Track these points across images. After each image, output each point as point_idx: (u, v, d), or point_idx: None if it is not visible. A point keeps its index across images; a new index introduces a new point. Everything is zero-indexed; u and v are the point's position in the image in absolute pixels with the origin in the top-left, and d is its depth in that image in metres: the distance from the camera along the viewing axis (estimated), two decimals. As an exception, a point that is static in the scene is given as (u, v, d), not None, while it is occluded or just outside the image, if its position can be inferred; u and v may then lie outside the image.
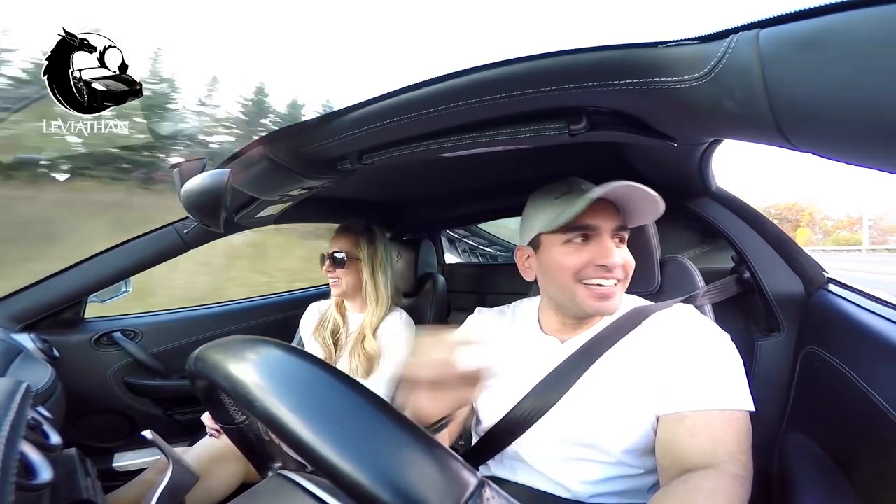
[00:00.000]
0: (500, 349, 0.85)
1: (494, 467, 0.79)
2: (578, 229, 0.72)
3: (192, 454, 1.09)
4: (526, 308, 0.90)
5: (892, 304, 0.75)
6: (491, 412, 0.80)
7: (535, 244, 0.80)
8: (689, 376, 0.66)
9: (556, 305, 0.80)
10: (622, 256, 0.72)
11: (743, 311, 1.05)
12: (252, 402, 0.29)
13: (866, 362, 0.67)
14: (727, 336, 0.71)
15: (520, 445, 0.75)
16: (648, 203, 0.71)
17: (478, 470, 0.81)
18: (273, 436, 0.59)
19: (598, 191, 0.67)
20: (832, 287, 0.92)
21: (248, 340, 0.33)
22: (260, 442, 0.57)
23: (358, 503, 0.24)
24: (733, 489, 0.57)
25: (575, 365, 0.74)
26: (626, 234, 0.75)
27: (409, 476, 0.25)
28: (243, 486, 1.09)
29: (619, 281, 0.73)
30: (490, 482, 0.26)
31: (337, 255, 1.24)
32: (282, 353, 0.31)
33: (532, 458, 0.74)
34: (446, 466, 0.26)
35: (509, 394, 0.78)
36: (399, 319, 1.24)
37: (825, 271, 0.98)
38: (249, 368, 0.30)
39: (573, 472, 0.70)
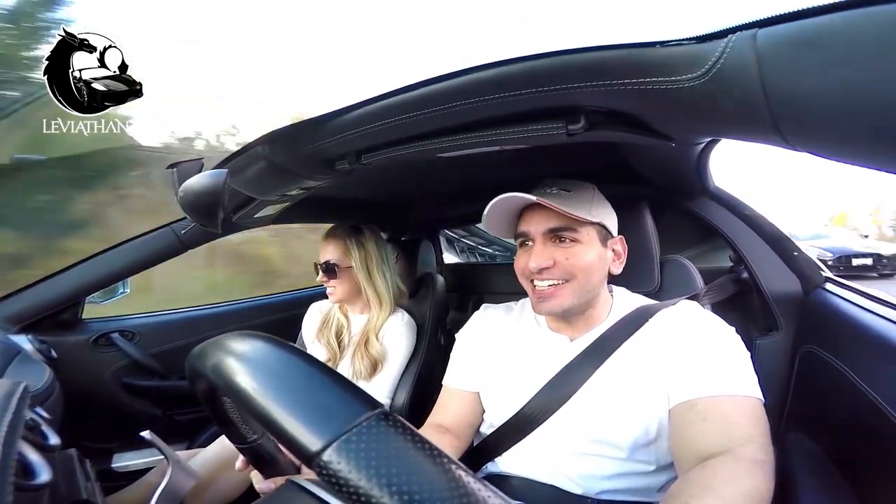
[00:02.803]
0: (507, 345, 0.86)
1: (502, 462, 0.79)
2: (520, 236, 0.79)
3: (201, 459, 1.08)
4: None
5: (890, 303, 0.75)
6: (500, 410, 0.81)
7: None
8: (697, 366, 0.67)
9: None
10: (555, 256, 0.74)
11: (741, 311, 1.05)
12: (205, 367, 0.33)
13: (864, 361, 0.67)
14: (732, 329, 0.72)
15: (529, 443, 0.76)
16: (553, 206, 0.72)
17: (485, 467, 0.80)
18: (287, 452, 0.60)
19: (486, 211, 0.77)
20: (829, 286, 0.93)
21: (234, 334, 0.35)
22: (274, 459, 0.57)
23: (268, 430, 0.28)
24: (753, 473, 0.56)
25: (585, 363, 0.74)
26: (569, 234, 0.75)
27: (298, 399, 0.27)
28: (250, 491, 1.09)
29: (562, 281, 0.75)
30: (394, 415, 0.27)
31: (327, 264, 1.19)
32: (246, 335, 0.34)
33: (542, 455, 0.74)
34: (342, 394, 0.28)
35: (519, 391, 0.78)
36: (400, 321, 1.23)
37: (822, 270, 0.98)
38: (216, 346, 0.34)
39: (584, 467, 0.70)
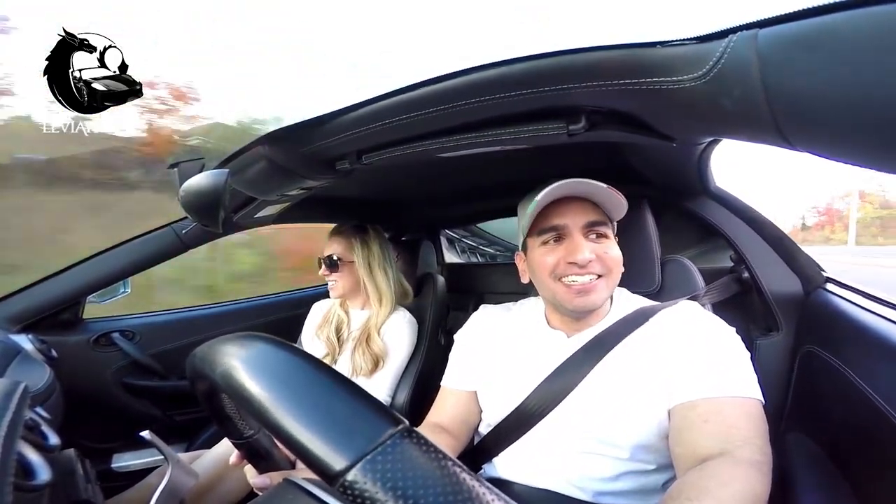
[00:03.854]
0: (506, 344, 0.86)
1: (500, 465, 0.79)
2: (549, 230, 0.76)
3: (203, 461, 1.08)
4: (532, 305, 0.91)
5: (890, 303, 0.75)
6: (498, 407, 0.80)
7: (524, 247, 0.82)
8: (698, 367, 0.67)
9: (551, 305, 0.82)
10: (595, 251, 0.74)
11: (741, 311, 1.05)
12: (213, 371, 0.32)
13: (865, 361, 0.67)
14: (733, 329, 0.72)
15: (527, 442, 0.75)
16: (606, 194, 0.73)
17: (483, 470, 0.80)
18: (282, 447, 0.60)
19: (541, 196, 0.72)
20: (830, 286, 0.92)
21: (232, 334, 0.35)
22: (269, 455, 0.57)
23: (287, 447, 0.26)
24: (751, 475, 0.56)
25: (583, 359, 0.74)
26: (604, 229, 0.76)
27: (318, 414, 0.26)
28: (253, 494, 1.09)
29: (599, 276, 0.74)
30: (417, 431, 0.26)
31: (330, 258, 1.24)
32: (253, 337, 0.33)
33: (540, 455, 0.74)
34: (363, 409, 0.27)
35: (516, 388, 0.78)
36: (402, 318, 1.24)
37: (823, 270, 0.98)
38: (224, 350, 0.33)
39: (583, 467, 0.70)
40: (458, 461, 0.25)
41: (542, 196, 0.72)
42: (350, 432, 0.25)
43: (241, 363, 0.30)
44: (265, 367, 0.30)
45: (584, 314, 0.78)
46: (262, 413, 0.27)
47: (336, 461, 0.24)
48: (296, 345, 0.33)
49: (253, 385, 0.29)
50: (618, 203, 0.75)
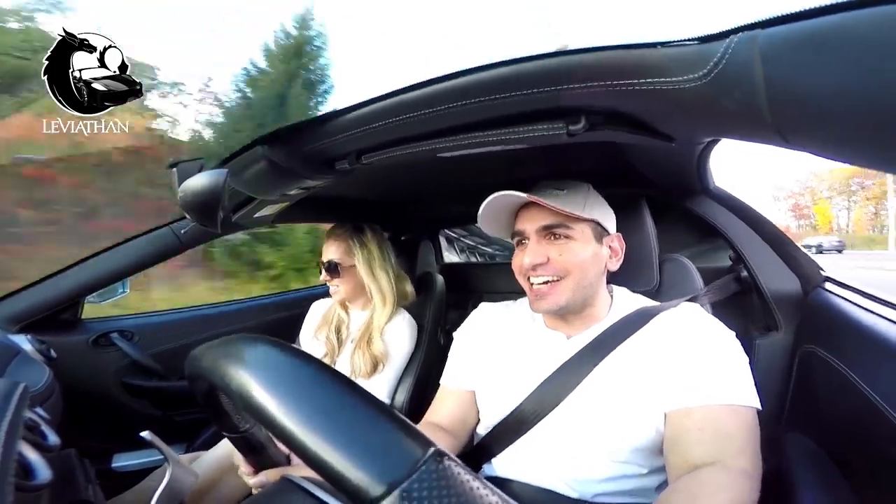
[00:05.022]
0: (505, 343, 0.86)
1: (498, 465, 0.79)
2: (516, 235, 0.81)
3: (202, 463, 1.08)
4: None
5: (889, 303, 0.75)
6: (496, 409, 0.80)
7: None
8: (696, 373, 0.67)
9: None
10: (549, 253, 0.76)
11: (740, 310, 1.05)
12: (228, 384, 0.31)
13: (864, 361, 0.67)
14: (732, 334, 0.72)
15: (525, 442, 0.75)
16: (544, 203, 0.74)
17: (481, 469, 0.80)
18: (277, 441, 0.60)
19: (481, 210, 0.79)
20: (829, 286, 0.93)
21: (238, 337, 0.34)
22: (264, 448, 0.58)
23: (321, 475, 0.25)
24: (741, 484, 0.57)
25: (582, 361, 0.74)
26: (562, 231, 0.76)
27: (349, 444, 0.25)
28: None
29: (556, 278, 0.76)
30: (449, 454, 0.26)
31: (330, 263, 1.21)
32: (264, 344, 0.32)
33: (537, 456, 0.74)
34: (395, 432, 0.26)
35: (515, 389, 0.78)
36: (403, 320, 1.23)
37: (822, 270, 0.98)
38: (236, 360, 0.31)
39: (579, 469, 0.70)
40: (488, 483, 0.25)
41: (480, 213, 0.80)
42: (383, 457, 0.25)
43: (261, 382, 0.29)
44: (288, 386, 0.29)
45: (560, 314, 0.79)
46: (289, 437, 0.27)
47: (371, 486, 0.24)
48: (297, 346, 0.33)
49: (277, 408, 0.27)
50: (570, 205, 0.75)
